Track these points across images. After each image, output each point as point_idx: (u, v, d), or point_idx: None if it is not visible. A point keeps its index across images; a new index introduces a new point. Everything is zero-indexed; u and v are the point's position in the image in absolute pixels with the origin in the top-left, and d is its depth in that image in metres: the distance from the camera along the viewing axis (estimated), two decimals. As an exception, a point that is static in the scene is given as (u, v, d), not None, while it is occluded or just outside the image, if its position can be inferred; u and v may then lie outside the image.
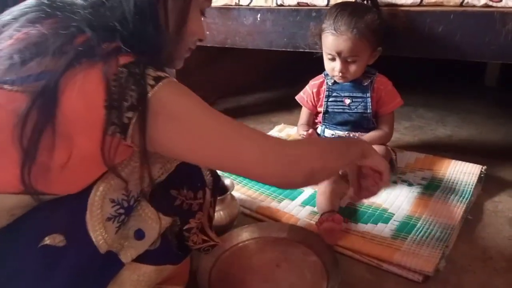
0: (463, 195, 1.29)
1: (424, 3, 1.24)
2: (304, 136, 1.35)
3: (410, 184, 1.37)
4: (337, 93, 1.38)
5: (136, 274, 0.76)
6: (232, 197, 1.21)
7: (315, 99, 1.42)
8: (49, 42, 0.61)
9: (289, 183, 0.77)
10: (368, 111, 1.35)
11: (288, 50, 1.49)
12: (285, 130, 1.82)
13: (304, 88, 1.46)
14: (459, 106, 2.05)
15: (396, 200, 1.29)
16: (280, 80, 2.44)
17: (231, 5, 1.53)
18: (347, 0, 1.32)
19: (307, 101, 1.44)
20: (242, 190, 1.36)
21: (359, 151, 0.85)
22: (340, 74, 1.29)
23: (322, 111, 1.41)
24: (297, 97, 1.47)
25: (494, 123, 1.87)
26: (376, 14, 1.25)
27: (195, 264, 1.01)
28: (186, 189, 0.81)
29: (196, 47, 0.84)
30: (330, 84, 1.38)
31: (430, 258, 1.03)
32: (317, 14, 1.37)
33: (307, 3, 1.40)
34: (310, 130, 1.38)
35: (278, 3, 1.45)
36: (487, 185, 1.38)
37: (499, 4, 1.15)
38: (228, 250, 1.10)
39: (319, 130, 1.45)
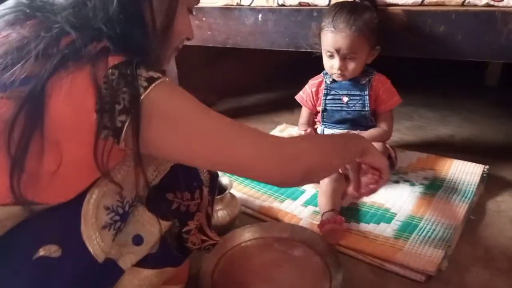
0: (465, 195, 1.28)
1: (425, 3, 1.24)
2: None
3: (412, 184, 1.37)
4: (335, 91, 1.38)
5: (137, 278, 0.75)
6: (232, 196, 1.21)
7: (314, 98, 1.43)
8: (31, 45, 0.59)
9: (288, 181, 0.76)
10: (366, 109, 1.36)
11: (290, 50, 1.49)
12: (287, 130, 1.82)
13: (304, 88, 1.46)
14: (460, 106, 2.05)
15: (398, 200, 1.29)
16: (281, 80, 2.44)
17: (233, 5, 1.53)
18: (346, 0, 1.32)
19: (306, 100, 1.45)
20: (244, 190, 1.36)
21: (359, 148, 0.84)
22: (339, 72, 1.29)
23: (321, 110, 1.41)
24: (296, 97, 1.48)
25: (495, 123, 1.87)
26: (374, 13, 1.26)
27: (197, 265, 1.01)
28: (183, 191, 0.80)
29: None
30: (329, 83, 1.39)
31: (433, 258, 1.03)
32: (319, 14, 1.37)
33: (308, 3, 1.40)
34: (309, 129, 1.38)
35: (280, 3, 1.45)
36: (489, 185, 1.37)
37: (500, 4, 1.14)
38: (230, 250, 1.10)
39: (319, 130, 1.45)
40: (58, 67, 0.58)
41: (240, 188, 1.35)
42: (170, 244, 0.82)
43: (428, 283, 1.00)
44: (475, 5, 1.18)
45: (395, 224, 1.18)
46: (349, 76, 1.32)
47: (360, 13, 1.24)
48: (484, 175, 1.39)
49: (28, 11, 0.65)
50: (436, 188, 1.34)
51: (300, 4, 1.42)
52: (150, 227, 0.75)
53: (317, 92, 1.42)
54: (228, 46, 1.60)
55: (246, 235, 1.15)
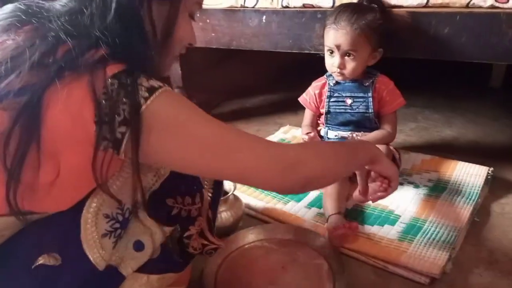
0: (469, 197, 1.28)
1: (430, 4, 1.24)
2: (307, 140, 1.35)
3: (416, 186, 1.37)
4: (339, 93, 1.38)
5: (138, 284, 0.75)
6: (236, 197, 1.21)
7: (318, 100, 1.43)
8: (26, 54, 0.58)
9: (288, 190, 0.75)
10: (370, 111, 1.35)
11: (293, 51, 1.50)
12: (290, 132, 1.82)
13: (307, 90, 1.47)
14: (464, 108, 2.04)
15: (402, 202, 1.29)
16: (285, 81, 2.44)
17: (237, 7, 1.53)
18: (351, 2, 1.33)
19: (309, 102, 1.45)
20: (247, 191, 1.36)
21: (368, 156, 0.83)
22: (338, 69, 1.30)
23: (324, 112, 1.41)
24: (300, 99, 1.48)
25: (500, 125, 1.86)
26: (379, 14, 1.26)
27: (201, 266, 1.02)
28: (183, 195, 0.78)
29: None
30: (332, 85, 1.39)
31: (437, 260, 1.03)
32: (322, 16, 1.37)
33: (312, 5, 1.40)
34: (312, 134, 1.38)
35: (284, 5, 1.45)
36: (494, 187, 1.37)
37: (505, 5, 1.14)
38: (234, 252, 1.10)
39: (322, 132, 1.45)
40: (54, 77, 0.56)
41: (243, 190, 1.35)
42: (172, 249, 0.81)
43: (432, 286, 1.00)
44: (480, 7, 1.18)
45: (399, 226, 1.18)
46: (348, 75, 1.32)
47: (364, 12, 1.25)
48: (489, 177, 1.39)
49: (23, 17, 0.64)
50: (440, 190, 1.34)
51: (304, 5, 1.42)
52: (151, 233, 0.74)
53: (320, 94, 1.42)
54: (232, 47, 1.61)
55: (250, 236, 1.15)
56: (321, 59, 1.37)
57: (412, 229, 1.16)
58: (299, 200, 1.33)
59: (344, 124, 1.40)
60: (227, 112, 2.13)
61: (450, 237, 1.11)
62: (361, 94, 1.36)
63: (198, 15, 0.82)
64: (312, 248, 1.10)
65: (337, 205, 1.20)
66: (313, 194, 1.35)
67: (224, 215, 1.15)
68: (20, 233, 0.62)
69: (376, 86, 1.35)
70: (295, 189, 0.75)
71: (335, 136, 1.41)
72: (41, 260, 0.62)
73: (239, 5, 1.53)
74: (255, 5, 1.50)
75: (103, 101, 0.57)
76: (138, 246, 0.73)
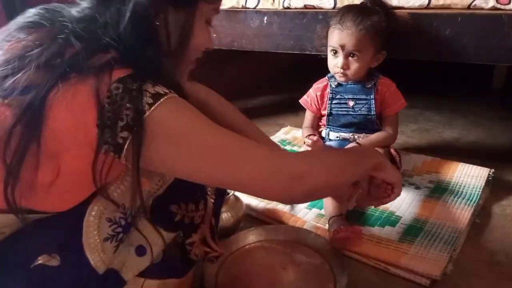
0: (470, 198, 1.28)
1: (432, 6, 1.24)
2: (310, 144, 1.36)
3: (417, 187, 1.37)
4: (341, 95, 1.38)
5: None
6: (237, 198, 1.21)
7: (319, 102, 1.43)
8: (33, 55, 0.59)
9: (291, 200, 0.74)
10: (372, 113, 1.35)
11: (295, 52, 1.49)
12: (291, 133, 1.82)
13: (308, 91, 1.46)
14: (466, 109, 2.05)
15: (403, 203, 1.28)
16: (286, 82, 2.44)
17: (238, 8, 1.53)
18: (355, 3, 1.33)
19: (311, 104, 1.44)
20: (248, 192, 1.36)
21: (371, 164, 0.81)
22: (341, 70, 1.30)
23: (326, 114, 1.41)
24: (301, 101, 1.48)
25: (501, 126, 1.86)
26: (384, 16, 1.26)
27: (202, 267, 1.01)
28: (187, 202, 0.78)
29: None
30: (334, 87, 1.39)
31: (438, 261, 1.03)
32: (324, 17, 1.37)
33: (313, 6, 1.40)
34: (315, 137, 1.37)
35: (285, 6, 1.45)
36: (495, 188, 1.37)
37: (507, 7, 1.14)
38: (234, 253, 1.10)
39: (323, 133, 1.45)
40: (60, 78, 0.57)
41: (244, 190, 1.35)
42: (174, 255, 0.81)
43: (433, 287, 0.99)
44: (482, 8, 1.18)
45: (400, 228, 1.18)
46: (351, 77, 1.32)
47: (369, 14, 1.25)
48: (490, 178, 1.38)
49: (39, 20, 0.65)
50: (441, 191, 1.34)
51: (305, 6, 1.42)
52: (153, 238, 0.74)
53: (322, 96, 1.42)
54: (233, 48, 1.61)
55: (251, 237, 1.15)
56: (322, 60, 1.36)
57: (412, 231, 1.16)
58: (300, 201, 1.32)
59: (346, 126, 1.40)
60: (228, 113, 2.13)
61: (450, 239, 1.11)
62: (363, 96, 1.36)
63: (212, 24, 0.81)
64: (313, 249, 1.10)
65: (338, 207, 1.19)
66: (314, 195, 1.35)
67: (225, 215, 1.15)
68: (20, 232, 0.62)
69: (378, 88, 1.35)
70: (298, 200, 0.74)
71: (337, 137, 1.41)
72: (40, 260, 0.62)
73: (240, 6, 1.53)
74: (257, 6, 1.50)
75: (106, 105, 0.57)
76: (141, 251, 0.73)
